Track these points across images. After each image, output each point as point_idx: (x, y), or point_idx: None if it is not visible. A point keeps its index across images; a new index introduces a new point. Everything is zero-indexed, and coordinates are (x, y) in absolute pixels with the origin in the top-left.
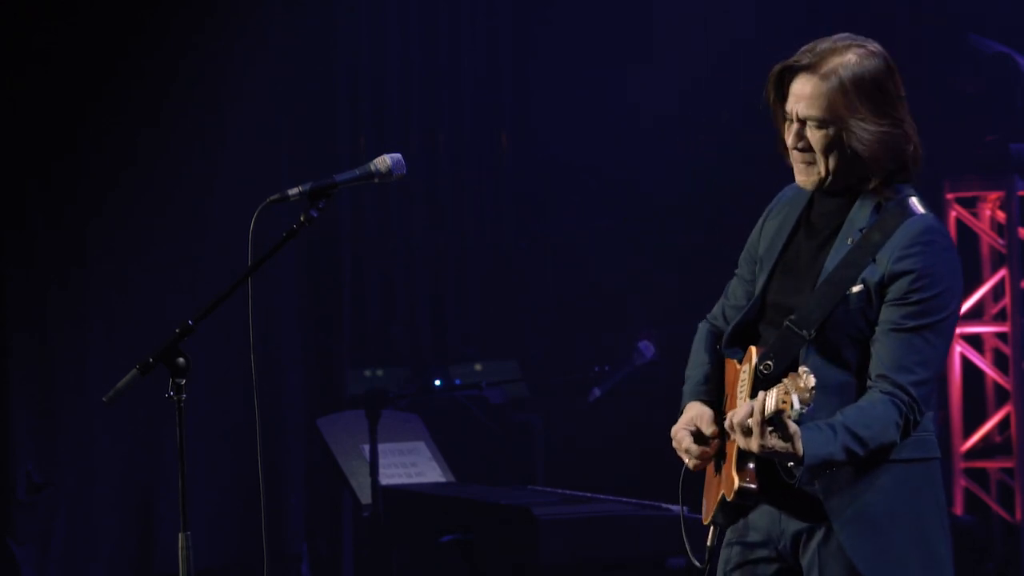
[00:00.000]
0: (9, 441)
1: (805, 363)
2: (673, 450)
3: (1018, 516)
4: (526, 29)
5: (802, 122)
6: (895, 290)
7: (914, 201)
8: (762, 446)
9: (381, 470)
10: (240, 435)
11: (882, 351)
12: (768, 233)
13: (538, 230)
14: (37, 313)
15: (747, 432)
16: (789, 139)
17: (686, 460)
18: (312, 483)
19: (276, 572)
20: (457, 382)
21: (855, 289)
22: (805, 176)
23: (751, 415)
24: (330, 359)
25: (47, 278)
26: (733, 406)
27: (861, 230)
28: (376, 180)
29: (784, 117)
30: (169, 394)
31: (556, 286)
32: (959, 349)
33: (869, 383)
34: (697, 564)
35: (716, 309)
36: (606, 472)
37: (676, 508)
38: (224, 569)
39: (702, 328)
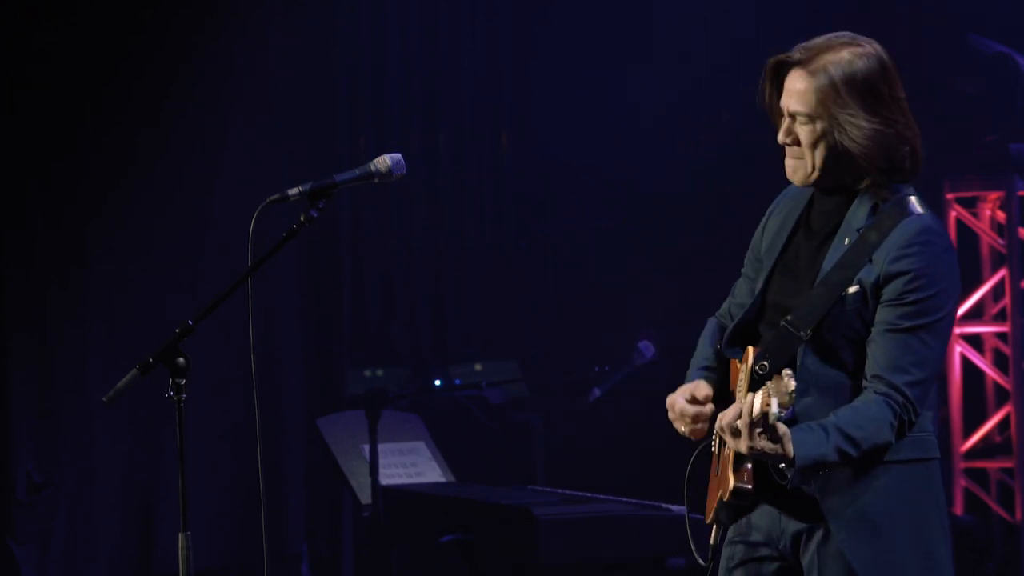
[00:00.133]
0: (9, 441)
1: (803, 363)
2: (673, 450)
3: (1018, 516)
4: (526, 29)
5: (793, 117)
6: (891, 291)
7: (912, 201)
8: (751, 448)
9: (381, 470)
10: (240, 435)
11: (877, 352)
12: (770, 232)
13: (538, 230)
14: (37, 313)
15: (736, 434)
16: (779, 134)
17: (681, 428)
18: (312, 483)
19: (276, 572)
20: (457, 382)
21: (851, 290)
22: (794, 171)
23: (739, 417)
24: (330, 359)
25: (47, 278)
26: None
27: (858, 230)
28: (376, 180)
29: (780, 113)
30: (169, 394)
31: (556, 286)
32: (959, 349)
33: (864, 384)
34: (701, 562)
35: (724, 306)
36: (606, 472)
37: (676, 508)
38: (224, 569)
39: (710, 323)
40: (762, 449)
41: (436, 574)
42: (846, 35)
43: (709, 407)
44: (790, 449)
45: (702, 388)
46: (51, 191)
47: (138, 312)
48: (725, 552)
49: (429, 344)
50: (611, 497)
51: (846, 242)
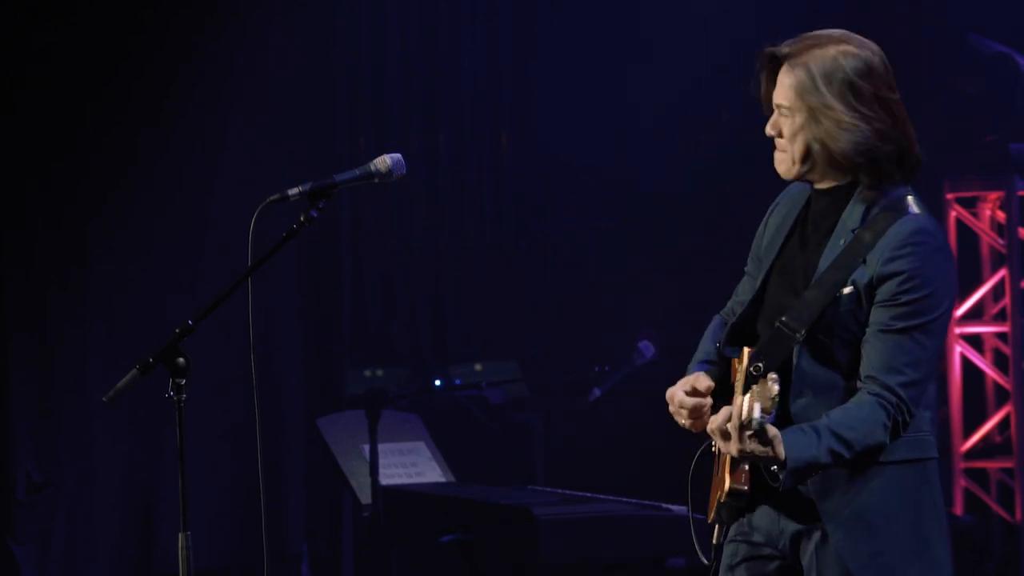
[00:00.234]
0: (9, 441)
1: (798, 364)
2: (673, 450)
3: (1018, 516)
4: (526, 29)
5: (779, 110)
6: (884, 291)
7: (909, 201)
8: (741, 451)
9: (381, 470)
10: (240, 435)
11: (871, 352)
12: (770, 231)
13: (538, 230)
14: (37, 313)
15: (726, 437)
16: (767, 126)
17: (681, 421)
18: (312, 483)
19: (276, 572)
20: (457, 382)
21: (845, 291)
22: (779, 163)
23: (729, 419)
24: (330, 359)
25: (47, 278)
26: None
27: (853, 231)
28: (376, 180)
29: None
30: (169, 394)
31: (556, 286)
32: (959, 349)
33: (858, 384)
34: (704, 561)
35: (728, 305)
36: (606, 472)
37: (676, 508)
38: (224, 569)
39: (714, 321)
40: (752, 452)
41: (436, 574)
42: (839, 33)
43: (710, 400)
44: (781, 451)
45: (703, 380)
46: (51, 191)
47: (138, 312)
48: (727, 550)
49: (429, 344)
50: (611, 497)
51: (841, 243)
